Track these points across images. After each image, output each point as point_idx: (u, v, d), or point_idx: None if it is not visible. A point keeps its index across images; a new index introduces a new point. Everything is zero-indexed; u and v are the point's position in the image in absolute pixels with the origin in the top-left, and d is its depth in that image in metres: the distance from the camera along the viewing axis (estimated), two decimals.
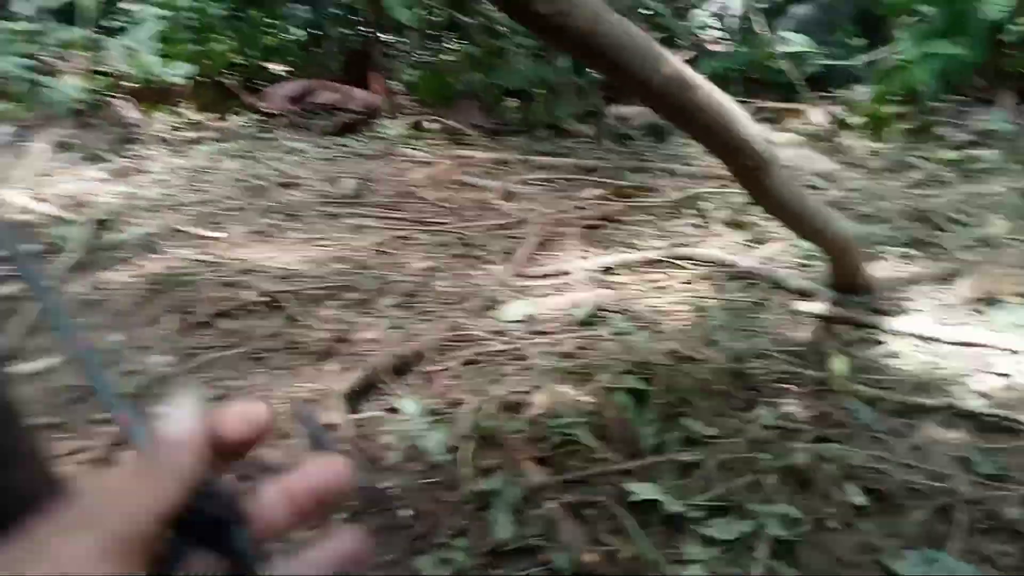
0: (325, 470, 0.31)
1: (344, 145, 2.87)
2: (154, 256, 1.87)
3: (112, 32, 3.73)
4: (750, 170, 1.09)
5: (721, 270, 1.75)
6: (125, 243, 1.98)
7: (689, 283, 1.72)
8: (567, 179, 2.37)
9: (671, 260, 1.79)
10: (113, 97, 3.23)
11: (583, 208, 2.10)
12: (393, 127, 3.00)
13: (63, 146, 2.72)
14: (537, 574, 0.96)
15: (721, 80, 3.22)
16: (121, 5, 3.93)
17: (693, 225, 2.02)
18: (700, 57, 3.46)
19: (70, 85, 3.25)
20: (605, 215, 2.04)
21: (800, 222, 1.28)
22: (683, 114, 0.98)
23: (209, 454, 0.28)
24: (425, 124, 3.03)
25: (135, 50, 3.56)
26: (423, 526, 1.04)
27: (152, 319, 1.60)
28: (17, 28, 3.61)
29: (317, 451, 0.87)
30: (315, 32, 4.76)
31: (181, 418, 0.29)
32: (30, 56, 3.39)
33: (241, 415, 0.30)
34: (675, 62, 0.90)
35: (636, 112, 2.90)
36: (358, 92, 3.44)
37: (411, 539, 1.01)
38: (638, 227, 2.01)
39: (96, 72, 3.34)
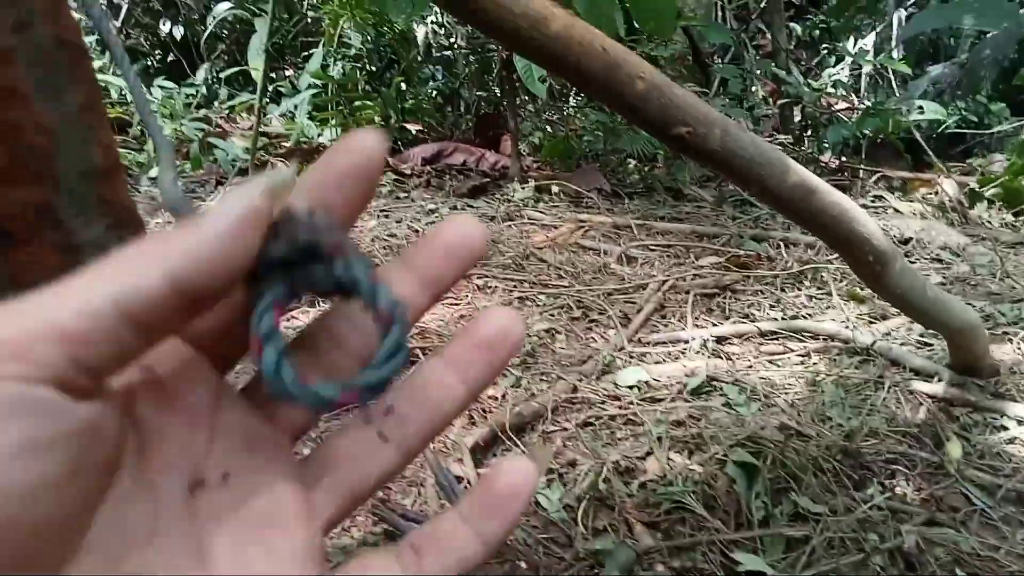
0: (456, 228, 0.27)
1: (474, 206, 3.07)
2: (306, 310, 2.10)
3: (275, 98, 4.17)
4: (869, 265, 1.15)
5: (838, 345, 1.77)
6: None
7: (804, 356, 1.75)
8: (685, 245, 2.45)
9: (787, 332, 1.83)
10: (271, 157, 3.59)
11: (700, 276, 2.16)
12: (519, 189, 3.17)
13: None
14: None
15: (848, 147, 3.22)
16: (285, 73, 4.39)
17: (811, 297, 2.05)
18: (827, 123, 3.46)
19: (236, 146, 3.66)
20: (722, 284, 2.09)
21: (920, 314, 1.31)
22: (807, 216, 1.06)
23: (260, 225, 0.22)
24: (548, 187, 3.18)
25: (292, 114, 3.96)
26: None
27: None
28: (196, 94, 4.11)
29: (448, 500, 1.04)
30: (448, 93, 5.10)
31: (237, 195, 0.22)
32: (205, 119, 3.85)
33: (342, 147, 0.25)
34: (799, 170, 0.99)
35: None
36: (489, 154, 3.66)
37: None
38: (755, 297, 2.05)
39: (261, 134, 3.72)
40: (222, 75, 4.37)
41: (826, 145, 3.32)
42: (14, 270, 0.65)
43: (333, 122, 3.85)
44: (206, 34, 4.33)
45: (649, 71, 0.88)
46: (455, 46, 5.03)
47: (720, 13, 5.30)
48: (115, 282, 0.20)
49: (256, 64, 3.96)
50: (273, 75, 4.64)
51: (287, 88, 4.35)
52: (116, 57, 0.71)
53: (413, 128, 4.45)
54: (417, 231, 2.74)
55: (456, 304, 2.12)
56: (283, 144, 3.90)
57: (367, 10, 3.95)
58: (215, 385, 0.25)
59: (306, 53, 4.49)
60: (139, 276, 0.20)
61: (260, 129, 3.90)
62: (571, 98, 4.85)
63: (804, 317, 1.93)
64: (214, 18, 4.28)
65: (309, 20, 4.71)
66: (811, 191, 1.00)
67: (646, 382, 1.64)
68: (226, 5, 4.32)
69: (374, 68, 4.52)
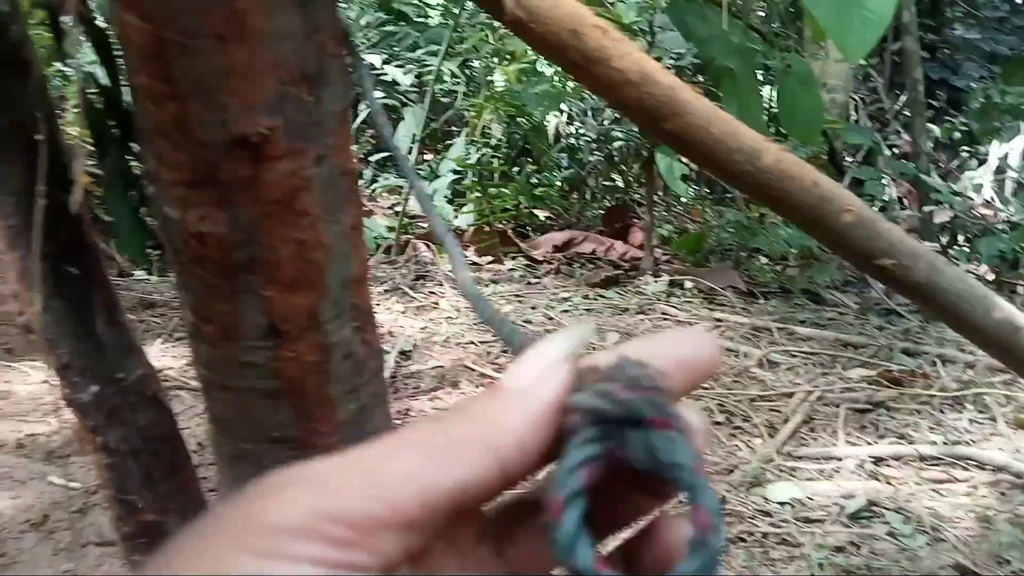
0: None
1: (605, 297, 3.10)
2: (451, 390, 2.16)
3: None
4: None
5: (1009, 478, 1.65)
6: (422, 374, 2.31)
7: (971, 487, 1.64)
8: (831, 354, 2.37)
9: (950, 459, 1.72)
10: (412, 238, 3.77)
11: (851, 389, 2.08)
12: (651, 283, 3.18)
13: (373, 279, 3.23)
14: None
15: (1004, 260, 3.06)
16: (425, 158, 4.65)
17: (973, 421, 1.93)
18: (979, 232, 3.32)
19: (379, 224, 3.87)
20: (875, 400, 2.01)
21: None
22: (1010, 353, 1.03)
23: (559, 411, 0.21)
24: (682, 282, 3.18)
25: (432, 197, 4.17)
26: None
27: None
28: None
29: None
30: (575, 182, 5.23)
31: (540, 359, 0.22)
32: None
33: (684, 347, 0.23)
34: (1004, 307, 0.97)
35: None
36: (619, 245, 3.71)
37: None
38: (912, 417, 1.95)
39: (406, 216, 3.91)
40: (370, 158, 4.67)
41: (978, 256, 3.17)
42: (278, 364, 0.73)
43: (470, 207, 4.02)
44: (357, 121, 4.66)
45: (856, 204, 0.89)
46: (581, 135, 5.20)
47: (855, 113, 5.25)
48: (454, 472, 0.20)
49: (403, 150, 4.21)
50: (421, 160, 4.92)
51: (427, 172, 4.59)
52: (404, 169, 0.79)
53: (541, 214, 4.58)
54: (551, 318, 2.79)
55: None
56: (421, 225, 4.09)
57: (510, 104, 4.16)
58: (478, 526, 0.23)
59: (448, 141, 4.74)
60: (476, 466, 0.20)
61: (407, 211, 4.12)
62: (689, 187, 4.88)
63: (967, 443, 1.81)
64: (367, 105, 4.60)
65: (447, 109, 5.00)
66: (1017, 328, 0.97)
67: (799, 500, 1.58)
68: (378, 94, 4.65)
69: (509, 156, 4.72)
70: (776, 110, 2.36)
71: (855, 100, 5.25)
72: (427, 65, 4.74)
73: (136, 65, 0.60)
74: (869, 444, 1.79)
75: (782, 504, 1.57)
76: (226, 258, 0.67)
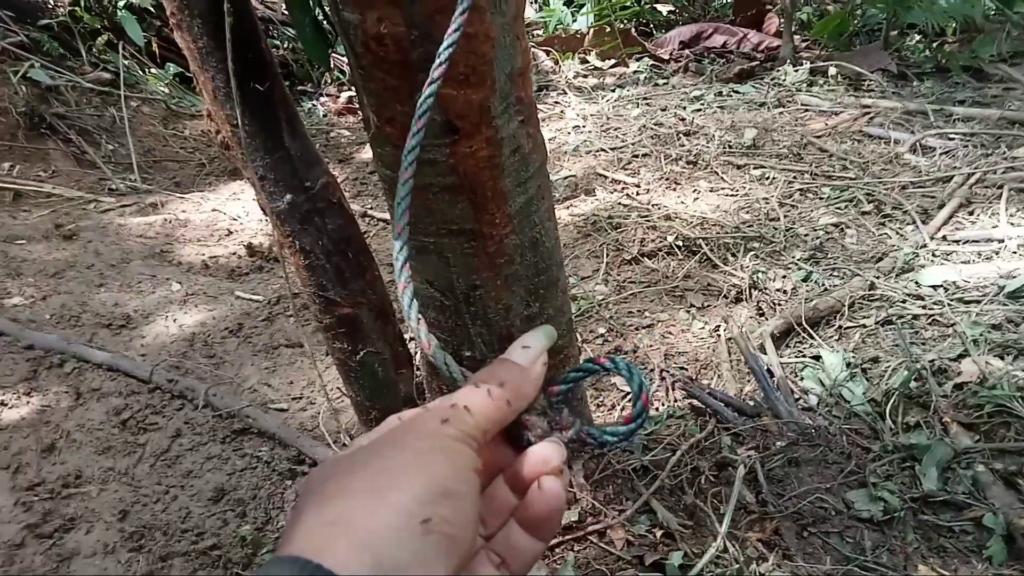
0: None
1: (740, 92, 2.95)
2: (585, 198, 2.19)
3: None
4: None
5: None
6: (555, 184, 2.34)
7: None
8: (993, 134, 2.19)
9: None
10: (532, 46, 3.66)
11: (1016, 168, 1.95)
12: (790, 73, 2.99)
13: None
14: (965, 528, 1.05)
15: None
16: None
17: None
18: None
19: None
20: None
21: None
22: None
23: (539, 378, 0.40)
24: (825, 69, 2.96)
25: (547, 1, 3.98)
26: (852, 465, 1.17)
27: (591, 253, 1.91)
28: None
29: (760, 384, 1.08)
30: None
31: (526, 350, 0.41)
32: None
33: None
34: None
35: None
36: (752, 34, 3.46)
37: (841, 473, 1.15)
38: None
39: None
40: None
41: None
42: (455, 160, 0.78)
43: (588, 6, 3.82)
44: None
45: None
46: None
47: None
48: (508, 409, 0.38)
49: None
50: None
51: None
52: None
53: (664, 9, 4.29)
54: (684, 119, 2.70)
55: (734, 195, 2.10)
56: (536, 32, 3.95)
57: None
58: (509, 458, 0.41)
59: None
60: (517, 407, 0.39)
61: None
62: None
63: None
64: None
65: None
66: None
67: (954, 282, 1.55)
68: None
69: None
70: None
71: None
72: None
73: None
74: None
75: (935, 287, 1.54)
76: (404, 58, 0.70)
